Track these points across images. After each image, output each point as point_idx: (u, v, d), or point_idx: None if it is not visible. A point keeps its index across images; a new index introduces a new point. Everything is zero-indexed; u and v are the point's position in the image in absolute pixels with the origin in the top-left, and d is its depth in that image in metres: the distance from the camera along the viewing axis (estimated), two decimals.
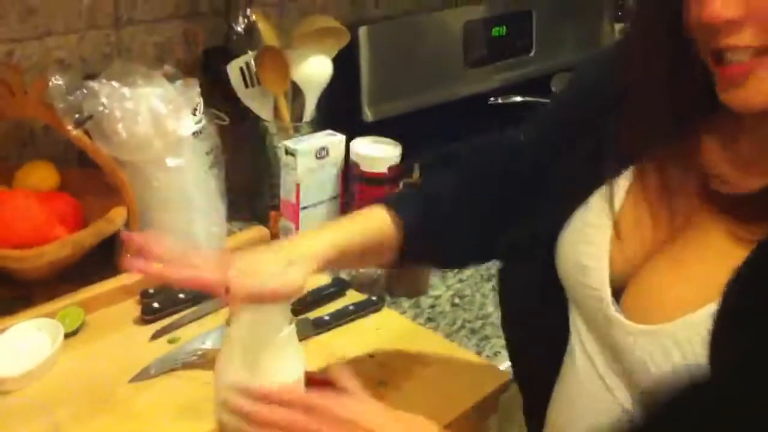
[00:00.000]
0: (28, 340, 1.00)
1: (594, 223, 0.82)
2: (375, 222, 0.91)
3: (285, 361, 0.84)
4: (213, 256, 0.86)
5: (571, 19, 1.94)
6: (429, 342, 1.12)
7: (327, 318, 1.12)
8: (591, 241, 0.82)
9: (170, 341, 1.07)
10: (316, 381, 0.95)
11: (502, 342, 1.14)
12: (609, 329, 0.78)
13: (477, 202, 0.96)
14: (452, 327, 1.20)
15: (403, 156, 1.40)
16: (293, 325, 0.84)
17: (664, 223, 0.79)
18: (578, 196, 0.84)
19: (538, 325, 0.90)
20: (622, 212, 0.82)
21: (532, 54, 1.87)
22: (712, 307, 0.69)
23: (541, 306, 0.89)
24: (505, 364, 1.10)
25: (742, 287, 0.69)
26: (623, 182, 0.82)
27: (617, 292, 0.79)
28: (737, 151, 0.77)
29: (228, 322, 0.85)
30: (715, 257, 0.73)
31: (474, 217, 0.96)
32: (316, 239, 0.86)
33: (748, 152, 0.76)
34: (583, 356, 0.83)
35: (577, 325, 0.84)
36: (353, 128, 1.45)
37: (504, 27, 1.80)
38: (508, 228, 0.95)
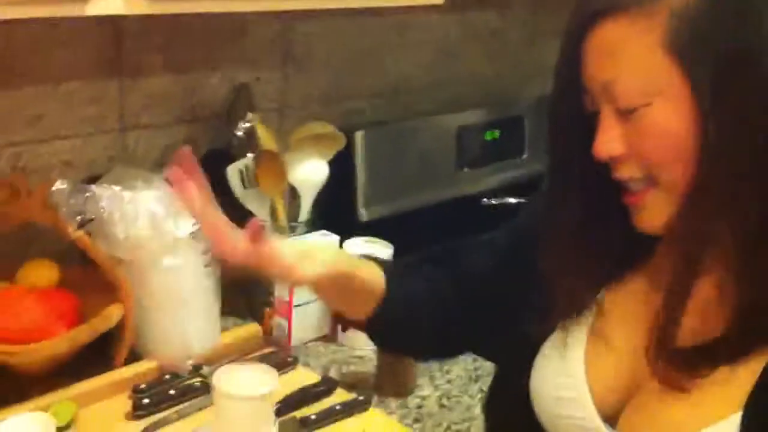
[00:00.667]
0: None
1: (568, 354, 0.85)
2: (375, 275, 0.95)
3: None
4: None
5: None
6: None
7: (314, 417, 1.14)
8: (566, 372, 0.84)
9: None
10: None
11: None
12: None
13: (445, 304, 0.99)
14: (439, 428, 1.21)
15: (396, 256, 1.45)
16: (275, 424, 0.87)
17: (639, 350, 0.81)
18: (548, 326, 0.88)
19: None
20: (596, 335, 0.85)
21: (524, 157, 1.93)
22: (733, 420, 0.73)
23: None
24: None
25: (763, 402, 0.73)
26: (593, 307, 0.86)
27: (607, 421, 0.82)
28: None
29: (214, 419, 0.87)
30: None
31: (439, 316, 0.99)
32: (334, 252, 0.96)
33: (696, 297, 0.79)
34: None
35: None
36: (349, 228, 1.50)
37: (497, 131, 1.87)
38: (483, 335, 1.00)
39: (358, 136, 1.58)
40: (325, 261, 0.89)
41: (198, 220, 0.87)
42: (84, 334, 1.13)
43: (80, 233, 1.15)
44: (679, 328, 0.76)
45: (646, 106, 0.73)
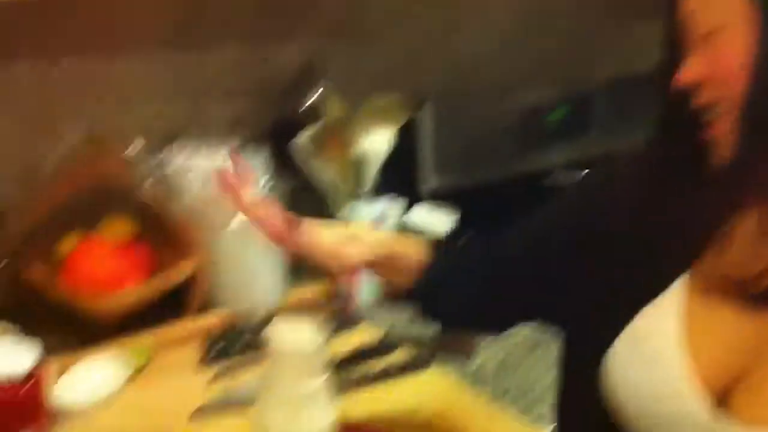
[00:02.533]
0: (98, 374, 1.09)
1: (654, 345, 0.83)
2: (414, 249, 0.99)
3: (315, 410, 0.89)
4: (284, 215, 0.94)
5: (633, 103, 2.00)
6: (473, 403, 1.15)
7: (373, 374, 1.18)
8: (657, 366, 0.82)
9: (227, 384, 1.14)
10: (350, 429, 1.00)
11: (547, 407, 1.18)
12: None
13: (489, 280, 1.00)
14: (498, 390, 1.23)
15: (456, 227, 1.48)
16: (324, 377, 0.90)
17: (746, 325, 0.80)
18: (623, 313, 0.85)
19: None
20: (689, 320, 0.82)
21: (591, 136, 1.93)
22: None
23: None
24: (548, 430, 1.13)
25: None
26: (675, 296, 0.84)
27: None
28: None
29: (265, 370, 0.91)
30: None
31: (483, 293, 1.00)
32: (378, 235, 0.98)
33: None
34: None
35: None
36: (412, 197, 1.53)
37: (565, 109, 1.87)
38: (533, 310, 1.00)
39: (426, 107, 1.61)
40: (368, 243, 0.94)
41: (246, 215, 0.93)
42: (158, 285, 1.18)
43: (154, 192, 1.21)
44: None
45: (721, 31, 0.76)
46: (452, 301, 1.01)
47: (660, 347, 0.82)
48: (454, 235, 1.39)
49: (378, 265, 0.97)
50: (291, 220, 0.92)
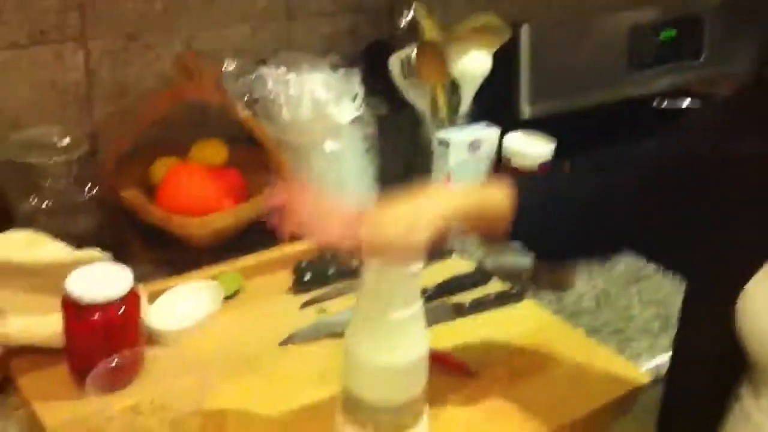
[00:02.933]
0: (190, 299, 1.09)
1: None
2: (497, 197, 0.92)
3: (409, 337, 0.86)
4: (347, 214, 0.86)
5: (746, 28, 1.88)
6: (568, 337, 1.12)
7: (467, 304, 1.15)
8: None
9: (318, 312, 1.13)
10: (441, 359, 0.98)
11: (644, 344, 1.14)
12: None
13: (599, 207, 0.94)
14: (594, 325, 1.19)
15: (556, 154, 1.41)
16: (419, 304, 0.87)
17: None
18: (759, 251, 0.79)
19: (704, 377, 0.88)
20: None
21: (701, 60, 1.82)
22: None
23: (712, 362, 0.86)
24: (645, 366, 1.09)
25: None
26: None
27: None
28: None
29: (358, 297, 0.88)
30: None
31: (587, 221, 0.94)
32: (442, 204, 0.88)
33: None
34: None
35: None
36: (509, 124, 1.47)
37: (674, 31, 1.76)
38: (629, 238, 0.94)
39: (525, 29, 1.53)
40: (438, 220, 0.85)
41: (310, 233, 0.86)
42: (250, 210, 1.17)
43: (247, 114, 1.19)
44: None
45: None
46: (554, 233, 0.95)
47: None
48: (548, 168, 1.33)
49: (455, 225, 0.89)
50: (355, 223, 0.83)
